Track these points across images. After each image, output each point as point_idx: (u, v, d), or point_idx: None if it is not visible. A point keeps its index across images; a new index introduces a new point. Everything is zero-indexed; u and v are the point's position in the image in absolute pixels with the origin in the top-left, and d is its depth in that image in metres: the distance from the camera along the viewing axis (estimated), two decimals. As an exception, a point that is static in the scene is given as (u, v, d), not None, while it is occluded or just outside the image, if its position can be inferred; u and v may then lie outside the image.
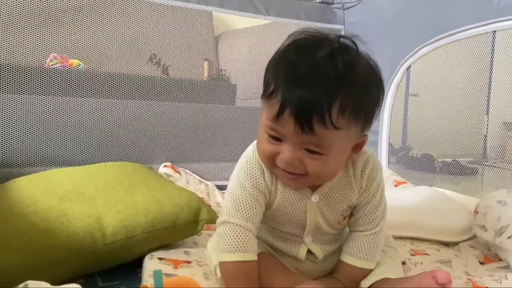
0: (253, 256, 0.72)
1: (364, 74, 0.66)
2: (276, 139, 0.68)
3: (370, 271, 0.79)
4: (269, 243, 0.83)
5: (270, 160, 0.70)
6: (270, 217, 0.79)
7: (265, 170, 0.75)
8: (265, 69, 0.70)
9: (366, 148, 0.76)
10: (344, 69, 0.63)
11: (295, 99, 0.62)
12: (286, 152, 0.67)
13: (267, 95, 0.67)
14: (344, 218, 0.80)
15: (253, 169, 0.75)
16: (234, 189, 0.76)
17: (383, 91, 0.70)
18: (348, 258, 0.79)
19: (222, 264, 0.73)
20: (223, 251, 0.72)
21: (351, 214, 0.81)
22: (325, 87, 0.62)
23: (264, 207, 0.76)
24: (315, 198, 0.76)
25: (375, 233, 0.79)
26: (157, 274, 0.77)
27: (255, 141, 0.77)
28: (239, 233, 0.71)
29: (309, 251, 0.82)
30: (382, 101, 0.70)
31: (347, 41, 0.67)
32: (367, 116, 0.68)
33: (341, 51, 0.65)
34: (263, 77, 0.70)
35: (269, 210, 0.78)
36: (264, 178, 0.75)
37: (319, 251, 0.81)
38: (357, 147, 0.72)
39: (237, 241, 0.71)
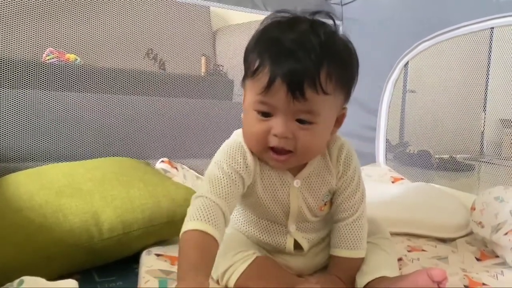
0: (215, 232, 0.66)
1: (343, 45, 0.71)
2: (266, 114, 0.69)
3: (362, 260, 0.80)
4: (258, 240, 0.83)
5: (262, 142, 0.70)
6: (255, 205, 0.80)
7: (247, 154, 0.75)
8: (244, 56, 0.72)
9: (339, 136, 0.81)
10: (326, 39, 0.67)
11: (284, 68, 0.65)
12: (278, 125, 0.68)
13: (251, 72, 0.69)
14: (325, 204, 0.82)
15: (234, 152, 0.75)
16: (211, 169, 0.75)
17: (358, 64, 0.73)
18: (336, 251, 0.81)
19: (182, 234, 0.67)
20: (186, 221, 0.67)
21: (331, 202, 0.83)
22: (311, 55, 0.65)
23: (241, 190, 0.74)
24: (297, 183, 0.78)
25: (356, 218, 0.81)
26: (162, 283, 0.76)
27: (237, 130, 0.79)
28: (207, 206, 0.68)
29: (297, 246, 0.82)
30: (357, 74, 0.74)
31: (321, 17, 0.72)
32: (349, 85, 0.72)
33: (320, 24, 0.69)
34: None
35: (252, 197, 0.78)
36: (245, 161, 0.74)
37: (304, 241, 0.82)
38: (338, 121, 0.76)
39: (203, 212, 0.67)
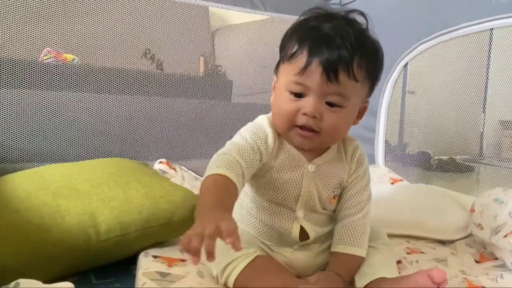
0: (236, 179, 0.69)
1: (373, 42, 0.77)
2: (298, 95, 0.74)
3: (362, 259, 0.81)
4: (265, 225, 0.83)
5: (290, 120, 0.75)
6: (267, 186, 0.81)
7: (269, 134, 0.79)
8: (281, 44, 0.79)
9: (355, 138, 0.88)
10: (360, 33, 0.74)
11: (322, 51, 0.71)
12: (309, 104, 0.73)
13: (289, 55, 0.75)
14: (334, 197, 0.85)
15: (257, 130, 0.80)
16: (235, 139, 0.79)
17: (383, 62, 0.79)
18: (338, 247, 0.82)
19: (203, 181, 0.70)
20: (208, 170, 0.71)
21: (340, 198, 0.86)
22: (347, 43, 0.71)
23: (258, 163, 0.78)
24: (311, 167, 0.81)
25: (362, 217, 0.84)
26: None
27: (261, 115, 0.84)
28: (229, 160, 0.72)
29: (302, 238, 0.82)
30: (381, 72, 0.80)
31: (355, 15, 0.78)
32: (375, 78, 0.79)
33: (354, 20, 0.77)
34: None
35: (266, 177, 0.80)
36: (266, 140, 0.79)
37: (311, 230, 0.83)
38: (360, 113, 0.82)
39: (225, 163, 0.71)
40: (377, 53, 0.78)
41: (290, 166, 0.81)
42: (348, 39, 0.71)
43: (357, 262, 0.81)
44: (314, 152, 0.82)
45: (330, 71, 0.71)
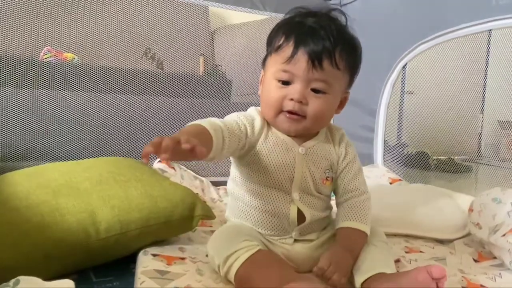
0: (213, 133, 0.73)
1: (352, 37, 0.85)
2: (285, 83, 0.81)
3: (366, 238, 0.84)
4: (263, 211, 0.85)
5: (277, 106, 0.82)
6: (260, 171, 0.85)
7: (256, 118, 0.86)
8: (267, 41, 0.87)
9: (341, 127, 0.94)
10: (341, 28, 0.83)
11: (307, 41, 0.78)
12: (295, 90, 0.80)
13: (276, 47, 0.82)
14: (327, 179, 0.88)
15: (245, 113, 0.87)
16: (226, 117, 0.85)
17: (361, 56, 0.87)
18: (343, 223, 0.86)
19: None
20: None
21: (333, 181, 0.90)
22: (330, 35, 0.79)
23: (242, 138, 0.82)
24: (302, 150, 0.86)
25: (364, 199, 0.88)
26: None
27: (251, 107, 0.90)
28: (211, 120, 0.77)
29: (298, 220, 0.85)
30: (360, 66, 0.87)
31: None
32: (354, 70, 0.86)
33: (335, 17, 0.84)
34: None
35: (258, 163, 0.84)
36: (252, 122, 0.85)
37: (308, 213, 0.85)
38: (342, 103, 0.89)
39: (206, 121, 0.76)
40: (356, 47, 0.85)
41: (280, 149, 0.85)
42: (331, 32, 0.79)
43: (363, 238, 0.84)
44: (302, 137, 0.87)
45: (315, 59, 0.78)
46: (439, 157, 1.87)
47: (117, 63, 1.84)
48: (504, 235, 0.95)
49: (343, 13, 0.86)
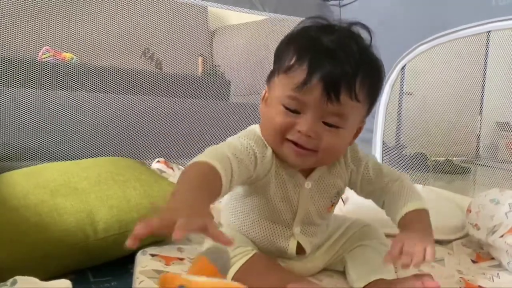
0: (223, 172, 0.63)
1: (376, 59, 0.72)
2: (294, 111, 0.68)
3: (426, 212, 0.77)
4: (259, 244, 0.82)
5: (281, 134, 0.70)
6: (263, 205, 0.78)
7: (267, 148, 0.73)
8: (276, 52, 0.73)
9: None
10: (364, 48, 0.69)
11: (324, 67, 0.65)
12: (305, 122, 0.67)
13: (286, 67, 0.68)
14: (332, 205, 0.83)
15: (256, 138, 0.74)
16: (230, 139, 0.74)
17: (384, 80, 0.75)
18: (404, 209, 0.77)
19: (184, 168, 0.65)
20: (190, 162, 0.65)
21: (336, 203, 0.84)
22: (350, 60, 0.65)
23: (251, 170, 0.71)
24: (307, 184, 0.78)
25: (402, 181, 0.82)
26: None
27: (252, 125, 0.78)
28: (219, 152, 0.66)
29: (298, 251, 0.81)
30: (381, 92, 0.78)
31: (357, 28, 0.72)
32: (374, 98, 0.73)
33: (357, 34, 0.70)
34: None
35: (263, 197, 0.77)
36: (263, 152, 0.73)
37: (307, 244, 0.82)
38: (356, 132, 0.77)
39: (213, 154, 0.65)
40: (380, 73, 0.72)
41: (286, 185, 0.77)
42: (352, 55, 0.66)
43: (427, 215, 0.77)
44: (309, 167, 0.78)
45: (332, 91, 0.65)
46: (438, 158, 1.88)
47: (116, 63, 1.84)
48: (502, 236, 0.95)
49: (367, 28, 0.72)
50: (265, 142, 0.74)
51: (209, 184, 0.62)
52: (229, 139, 0.75)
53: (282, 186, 0.77)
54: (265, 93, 0.77)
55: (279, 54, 0.72)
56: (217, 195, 0.63)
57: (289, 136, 0.69)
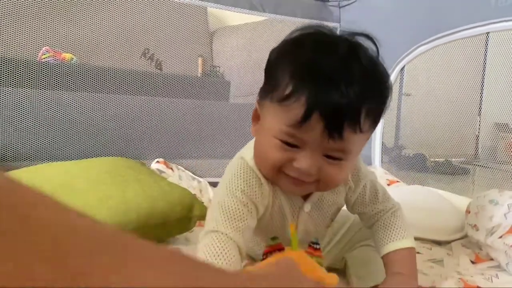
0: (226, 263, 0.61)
1: (382, 74, 0.63)
2: (292, 146, 0.61)
3: (413, 250, 0.75)
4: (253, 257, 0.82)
5: (278, 169, 0.63)
6: (260, 229, 0.73)
7: (262, 181, 0.68)
8: (267, 65, 0.65)
9: None
10: (367, 65, 0.60)
11: (325, 103, 0.56)
12: (304, 160, 0.60)
13: (281, 97, 0.59)
14: (332, 220, 0.81)
15: (248, 178, 0.68)
16: (223, 198, 0.67)
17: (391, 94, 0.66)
18: (388, 247, 0.75)
19: None
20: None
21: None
22: (354, 88, 0.57)
23: (255, 221, 0.68)
24: (307, 207, 0.74)
25: (394, 211, 0.78)
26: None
27: (243, 151, 0.72)
28: (222, 244, 0.62)
29: None
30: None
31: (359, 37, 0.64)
32: (379, 119, 0.65)
33: (359, 47, 0.61)
34: (263, 74, 0.65)
35: (260, 223, 0.72)
36: (260, 190, 0.68)
37: None
38: None
39: (223, 251, 0.61)
40: (387, 89, 0.64)
41: (284, 210, 0.73)
42: (356, 82, 0.57)
43: (413, 254, 0.75)
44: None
45: (334, 129, 0.57)
46: (437, 159, 1.88)
47: (116, 63, 1.84)
48: (501, 237, 0.95)
49: (371, 39, 0.64)
50: (259, 175, 0.68)
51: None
52: (222, 198, 0.67)
53: (280, 212, 0.73)
54: (256, 111, 0.68)
55: (272, 72, 0.63)
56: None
57: (287, 171, 0.63)
